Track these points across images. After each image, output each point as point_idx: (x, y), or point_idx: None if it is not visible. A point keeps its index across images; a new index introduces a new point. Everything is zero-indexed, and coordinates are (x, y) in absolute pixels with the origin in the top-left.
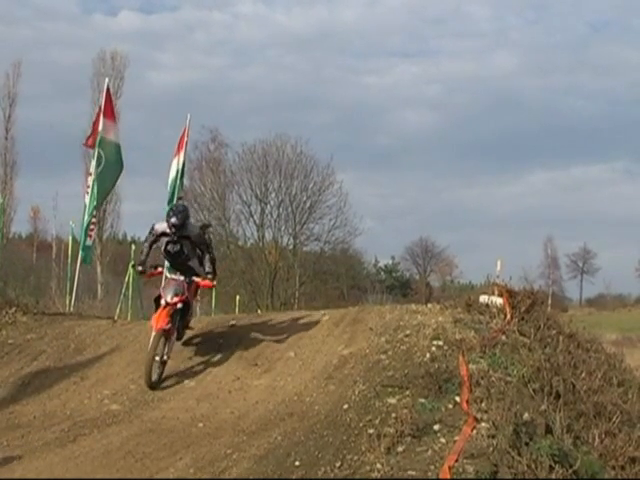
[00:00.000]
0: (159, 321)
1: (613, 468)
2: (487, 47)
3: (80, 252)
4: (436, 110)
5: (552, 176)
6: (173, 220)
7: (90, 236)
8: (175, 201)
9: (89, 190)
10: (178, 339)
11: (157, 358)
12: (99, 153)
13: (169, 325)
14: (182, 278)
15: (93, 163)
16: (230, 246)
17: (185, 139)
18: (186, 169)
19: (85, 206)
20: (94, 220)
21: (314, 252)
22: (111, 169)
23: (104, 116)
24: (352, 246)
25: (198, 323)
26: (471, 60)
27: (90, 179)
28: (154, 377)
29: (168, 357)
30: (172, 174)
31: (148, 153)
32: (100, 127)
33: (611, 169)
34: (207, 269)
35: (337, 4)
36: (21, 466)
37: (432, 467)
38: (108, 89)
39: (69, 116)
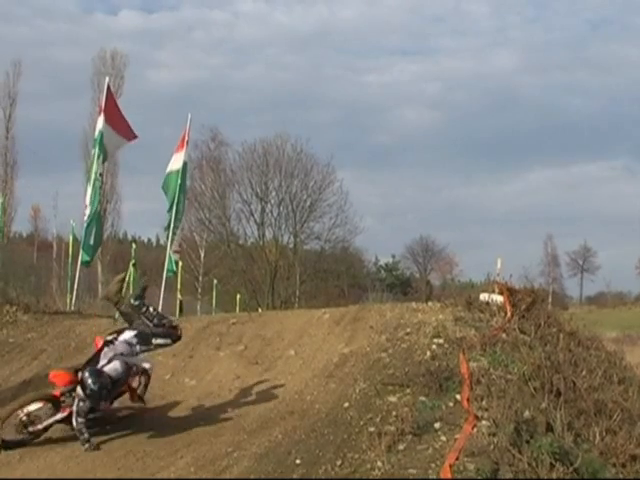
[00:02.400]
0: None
1: (614, 466)
2: (486, 45)
3: (81, 252)
4: (435, 108)
5: (552, 174)
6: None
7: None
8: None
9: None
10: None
11: (23, 417)
12: (101, 152)
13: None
14: None
15: (95, 163)
16: (230, 245)
17: (186, 138)
18: (188, 168)
19: (86, 206)
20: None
21: (314, 251)
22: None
23: (104, 115)
24: (352, 244)
25: (199, 322)
26: (470, 58)
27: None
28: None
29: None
30: (170, 169)
31: (148, 152)
32: (100, 125)
33: (611, 167)
34: None
35: (337, 3)
36: (22, 465)
37: (433, 465)
38: (109, 88)
39: (69, 115)
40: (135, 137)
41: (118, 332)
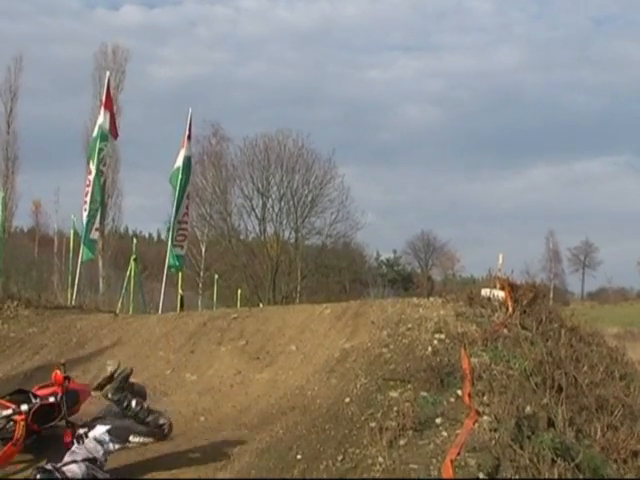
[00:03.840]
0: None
1: (615, 462)
2: (489, 42)
3: (82, 247)
4: (438, 105)
5: (554, 171)
6: None
7: (97, 229)
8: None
9: (90, 184)
10: None
11: None
12: (103, 147)
13: None
14: None
15: (95, 157)
16: (232, 240)
17: (187, 133)
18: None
19: (86, 202)
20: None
21: (316, 246)
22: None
23: (105, 109)
24: (354, 240)
25: (200, 317)
26: (473, 55)
27: (89, 173)
28: None
29: None
30: (176, 165)
31: (150, 148)
32: (101, 120)
33: (613, 163)
34: None
35: None
36: (23, 461)
37: (434, 461)
38: (109, 83)
39: (71, 111)
40: (117, 136)
41: (91, 423)
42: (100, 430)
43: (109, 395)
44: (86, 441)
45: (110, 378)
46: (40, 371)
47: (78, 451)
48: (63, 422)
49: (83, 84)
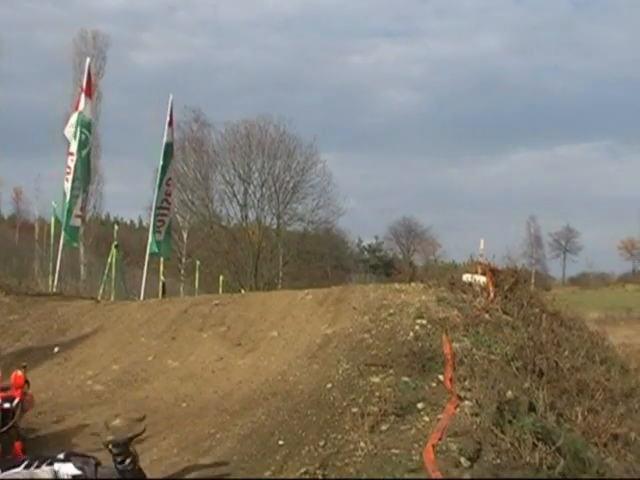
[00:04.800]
0: None
1: (596, 445)
2: (472, 27)
3: (63, 234)
4: (420, 90)
5: (536, 156)
6: None
7: (79, 216)
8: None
9: (70, 171)
10: None
11: None
12: (83, 133)
13: None
14: None
15: (74, 143)
16: (213, 226)
17: (168, 119)
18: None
19: (66, 189)
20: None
21: (297, 232)
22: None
23: (85, 95)
24: (336, 226)
25: (182, 303)
26: (456, 40)
27: (71, 160)
28: None
29: None
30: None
31: (131, 134)
32: (81, 106)
33: (595, 149)
34: None
35: None
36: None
37: (416, 445)
38: (89, 69)
39: (51, 96)
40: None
41: (66, 455)
42: (68, 470)
43: (110, 446)
44: (42, 468)
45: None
46: (21, 358)
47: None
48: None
49: (63, 70)
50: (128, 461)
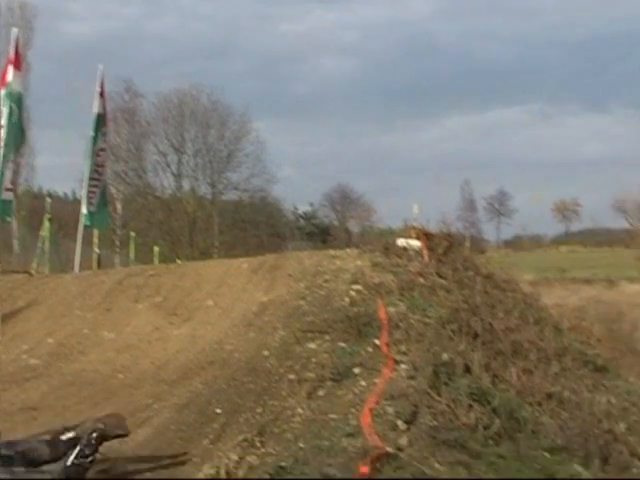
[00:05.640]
0: None
1: (530, 404)
2: None
3: None
4: (353, 56)
5: (469, 120)
6: None
7: (10, 189)
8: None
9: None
10: None
11: None
12: (10, 106)
13: None
14: None
15: (4, 115)
16: (148, 197)
17: (98, 90)
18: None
19: None
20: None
21: (233, 201)
22: (22, 120)
23: (14, 67)
24: (271, 194)
25: (117, 275)
26: (387, 5)
27: (1, 131)
28: None
29: None
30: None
31: (62, 105)
32: (10, 78)
33: (527, 111)
34: None
35: None
36: None
37: (353, 410)
38: (17, 40)
39: None
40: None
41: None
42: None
43: (96, 432)
44: None
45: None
46: None
47: None
48: None
49: None
50: (90, 459)
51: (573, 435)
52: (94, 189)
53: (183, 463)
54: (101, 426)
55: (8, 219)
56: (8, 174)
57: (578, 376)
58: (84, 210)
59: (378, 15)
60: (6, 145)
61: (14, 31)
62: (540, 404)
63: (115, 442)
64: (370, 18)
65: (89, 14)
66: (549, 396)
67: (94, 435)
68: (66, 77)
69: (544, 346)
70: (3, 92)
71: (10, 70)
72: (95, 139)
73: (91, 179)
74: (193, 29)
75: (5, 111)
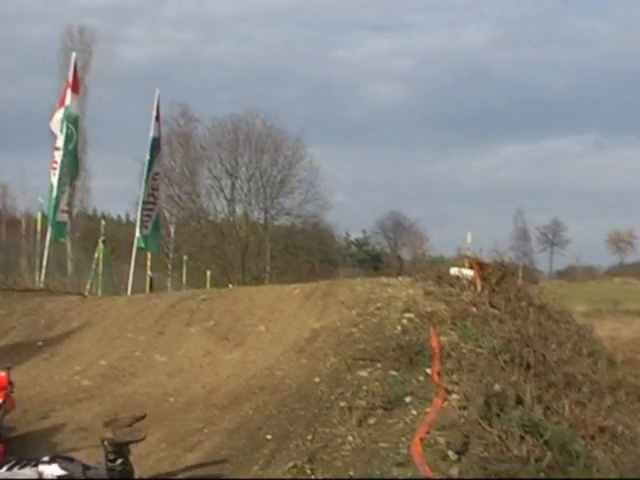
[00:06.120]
0: None
1: (583, 437)
2: (458, 20)
3: (50, 229)
4: (407, 84)
5: (523, 149)
6: None
7: (65, 211)
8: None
9: (56, 166)
10: None
11: None
12: (69, 128)
13: None
14: None
15: (61, 138)
16: (201, 221)
17: (154, 114)
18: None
19: (53, 184)
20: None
21: (285, 226)
22: (78, 144)
23: (72, 90)
24: (323, 220)
25: (169, 298)
26: (442, 33)
27: (57, 155)
28: None
29: None
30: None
31: (117, 129)
32: (67, 101)
33: (581, 142)
34: None
35: None
36: None
37: (403, 439)
38: (75, 64)
39: (37, 91)
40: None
41: (52, 457)
42: (53, 471)
43: (105, 442)
44: (26, 470)
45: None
46: (8, 354)
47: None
48: None
49: (49, 65)
50: (119, 462)
51: (626, 470)
52: (149, 212)
53: None
54: (109, 435)
55: (62, 240)
56: (65, 196)
57: (632, 410)
58: (138, 233)
59: (432, 43)
60: (63, 169)
61: (73, 55)
62: (593, 438)
63: (165, 464)
64: (424, 46)
65: (146, 39)
66: (602, 430)
67: (105, 443)
68: (122, 101)
69: (597, 379)
70: (61, 114)
71: (68, 93)
72: (151, 163)
73: (146, 203)
74: (248, 54)
75: (63, 134)
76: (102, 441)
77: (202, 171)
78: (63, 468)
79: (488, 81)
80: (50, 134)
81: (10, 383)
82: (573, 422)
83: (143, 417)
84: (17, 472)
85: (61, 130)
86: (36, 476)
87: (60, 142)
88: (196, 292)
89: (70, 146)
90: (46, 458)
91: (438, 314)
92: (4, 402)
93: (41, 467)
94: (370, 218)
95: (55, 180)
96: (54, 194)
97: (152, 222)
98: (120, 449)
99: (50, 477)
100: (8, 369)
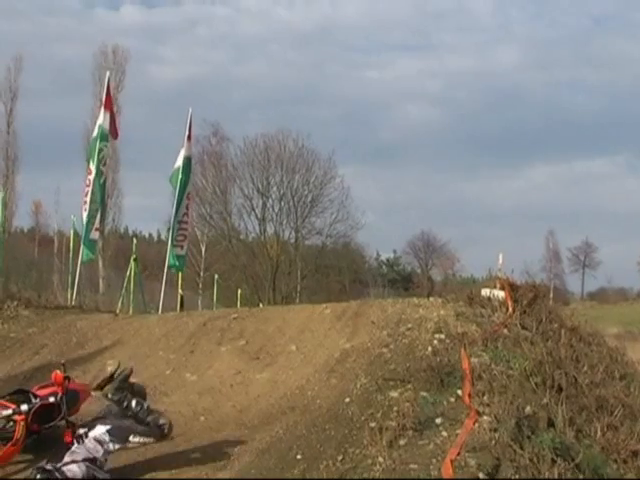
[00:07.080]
0: None
1: (615, 462)
2: (489, 42)
3: (82, 247)
4: (438, 105)
5: (554, 170)
6: None
7: (98, 229)
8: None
9: (90, 184)
10: None
11: None
12: (103, 147)
13: None
14: None
15: (95, 157)
16: (232, 240)
17: (187, 133)
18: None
19: (85, 203)
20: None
21: (316, 246)
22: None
23: (104, 109)
24: (354, 240)
25: (200, 317)
26: (473, 55)
27: (90, 173)
28: None
29: None
30: (176, 165)
31: (149, 147)
32: (101, 120)
33: (613, 163)
34: None
35: None
36: (23, 461)
37: (434, 461)
38: (109, 83)
39: (71, 111)
40: (117, 136)
41: (91, 423)
42: (100, 430)
43: (109, 395)
44: (86, 441)
45: (110, 378)
46: (40, 371)
47: (78, 451)
48: (63, 422)
49: (83, 84)
50: (134, 403)
51: None
52: (183, 232)
53: None
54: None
55: (92, 256)
56: (98, 214)
57: None
58: (170, 252)
59: (464, 65)
60: (97, 186)
61: (106, 74)
62: (625, 462)
63: None
64: (455, 67)
65: (178, 58)
66: (635, 454)
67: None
68: (155, 120)
69: (630, 402)
70: (95, 133)
71: (101, 112)
72: (184, 182)
73: (180, 222)
74: (280, 75)
75: (96, 152)
76: (105, 397)
77: (233, 190)
78: (104, 424)
79: (519, 102)
80: (83, 153)
81: (67, 377)
82: (605, 446)
83: (116, 372)
84: (87, 446)
85: (94, 149)
86: (94, 444)
87: (93, 165)
88: (227, 311)
89: (102, 165)
90: (83, 430)
91: (469, 335)
92: (64, 394)
93: (91, 434)
94: (401, 238)
95: (88, 198)
96: (87, 212)
97: (187, 242)
98: (123, 392)
99: (103, 436)
100: (63, 365)
